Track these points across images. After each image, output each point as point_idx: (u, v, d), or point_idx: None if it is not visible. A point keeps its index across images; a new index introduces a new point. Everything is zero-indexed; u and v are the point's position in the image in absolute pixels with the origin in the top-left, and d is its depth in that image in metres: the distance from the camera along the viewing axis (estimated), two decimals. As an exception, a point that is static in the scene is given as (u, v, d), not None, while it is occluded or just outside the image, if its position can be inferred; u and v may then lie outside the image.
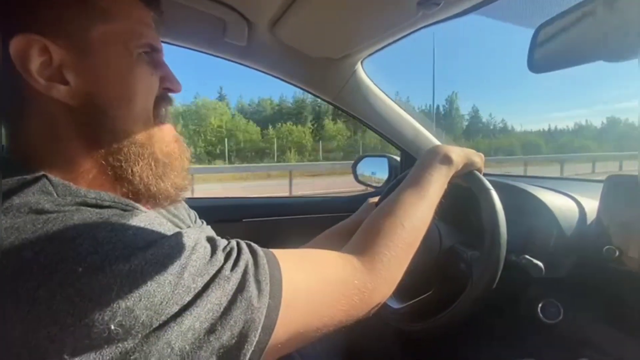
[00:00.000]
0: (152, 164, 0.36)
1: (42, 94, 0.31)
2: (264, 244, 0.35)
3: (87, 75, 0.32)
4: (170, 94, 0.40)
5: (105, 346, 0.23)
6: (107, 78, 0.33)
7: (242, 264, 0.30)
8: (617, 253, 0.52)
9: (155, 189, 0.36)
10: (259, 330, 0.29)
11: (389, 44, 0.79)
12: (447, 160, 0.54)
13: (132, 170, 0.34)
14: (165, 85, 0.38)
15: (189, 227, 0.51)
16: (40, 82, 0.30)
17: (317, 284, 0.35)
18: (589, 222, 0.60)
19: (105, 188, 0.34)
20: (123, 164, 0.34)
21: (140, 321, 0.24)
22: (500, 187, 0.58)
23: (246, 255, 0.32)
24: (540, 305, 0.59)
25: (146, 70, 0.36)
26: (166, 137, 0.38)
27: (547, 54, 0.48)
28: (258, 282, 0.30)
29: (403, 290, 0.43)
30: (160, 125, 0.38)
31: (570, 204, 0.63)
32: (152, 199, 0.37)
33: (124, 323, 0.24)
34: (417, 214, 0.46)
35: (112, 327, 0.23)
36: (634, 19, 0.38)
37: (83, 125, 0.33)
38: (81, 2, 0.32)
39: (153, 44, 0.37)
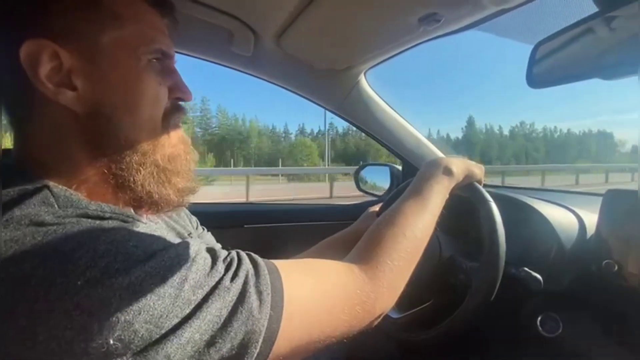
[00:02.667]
0: (154, 171, 0.35)
1: (49, 100, 0.31)
2: (265, 251, 0.35)
3: (95, 82, 0.32)
4: (181, 103, 0.39)
5: None
6: (113, 85, 0.33)
7: (242, 274, 0.30)
8: (616, 268, 0.52)
9: (157, 196, 0.36)
10: (259, 342, 0.29)
11: (392, 57, 0.81)
12: (448, 172, 0.54)
13: (133, 179, 0.34)
14: (175, 94, 0.38)
15: (190, 234, 0.52)
16: (48, 87, 0.30)
17: (319, 294, 0.35)
18: (588, 235, 0.60)
19: (107, 196, 0.34)
20: (125, 172, 0.34)
21: (140, 335, 0.24)
22: (500, 199, 0.58)
23: (247, 265, 0.31)
24: (539, 318, 0.58)
25: (154, 79, 0.35)
26: (172, 139, 0.37)
27: (546, 70, 0.49)
28: (259, 292, 0.30)
29: (402, 300, 0.43)
30: (168, 132, 0.37)
31: (570, 217, 0.63)
32: (154, 205, 0.37)
33: (123, 337, 0.23)
34: (419, 224, 0.46)
35: (111, 342, 0.23)
36: (631, 37, 0.39)
37: (87, 132, 0.32)
38: (93, 7, 0.32)
39: (164, 49, 0.36)
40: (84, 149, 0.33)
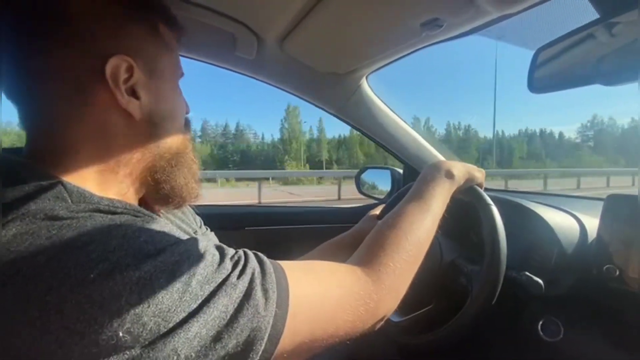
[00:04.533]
0: (186, 168, 0.42)
1: (116, 106, 0.35)
2: (267, 253, 0.36)
3: (152, 94, 0.37)
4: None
5: (113, 353, 0.24)
6: (164, 98, 0.39)
7: (249, 271, 0.31)
8: (617, 272, 0.52)
9: (187, 189, 0.41)
10: (265, 339, 0.29)
11: (394, 61, 0.81)
12: (449, 175, 0.55)
13: (177, 174, 0.40)
14: None
15: (196, 232, 0.53)
16: (124, 96, 0.34)
17: (323, 295, 0.35)
18: (589, 240, 0.60)
19: (127, 192, 0.38)
20: (167, 167, 0.40)
21: (148, 328, 0.24)
22: (501, 203, 0.58)
23: (253, 263, 0.32)
24: (540, 323, 0.58)
25: (182, 95, 0.43)
26: (190, 145, 0.44)
27: (547, 76, 0.49)
28: (265, 290, 0.30)
29: (404, 303, 0.43)
30: (187, 137, 0.44)
31: (571, 221, 0.64)
32: (182, 198, 0.41)
33: (132, 330, 0.24)
34: (421, 227, 0.47)
35: (121, 334, 0.24)
36: (632, 43, 0.40)
37: (139, 135, 0.37)
38: (155, 35, 0.38)
39: (183, 72, 0.44)
40: (130, 150, 0.37)
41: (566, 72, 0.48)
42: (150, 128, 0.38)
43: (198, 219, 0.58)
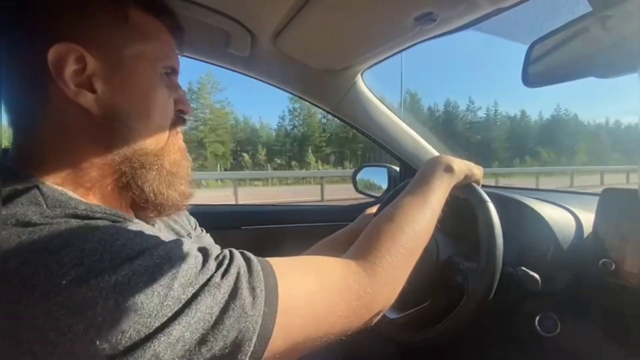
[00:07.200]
0: (163, 173, 0.38)
1: (68, 100, 0.32)
2: (263, 252, 0.35)
3: (114, 87, 0.34)
4: (183, 116, 0.42)
5: None
6: (131, 92, 0.35)
7: (233, 270, 0.29)
8: (613, 266, 0.52)
9: (163, 197, 0.37)
10: (253, 340, 0.28)
11: (389, 57, 0.81)
12: (449, 169, 0.54)
13: (145, 178, 0.36)
14: (178, 107, 0.40)
15: (189, 234, 0.52)
16: (70, 87, 0.32)
17: (316, 290, 0.34)
18: (585, 235, 0.60)
19: (110, 196, 0.35)
20: (137, 171, 0.35)
21: (128, 335, 0.23)
22: (497, 199, 0.58)
23: (238, 262, 0.31)
24: (537, 318, 0.58)
25: (165, 91, 0.38)
26: (175, 146, 0.40)
27: (541, 70, 0.49)
28: (252, 288, 0.29)
29: (400, 300, 0.43)
30: (173, 140, 0.40)
31: (567, 216, 0.64)
32: (159, 206, 0.38)
33: (109, 338, 0.23)
34: (419, 221, 0.45)
35: (97, 342, 0.22)
36: (626, 37, 0.40)
37: (101, 133, 0.34)
38: (122, 22, 0.35)
39: (174, 66, 0.40)
40: (94, 149, 0.34)
41: (560, 65, 0.47)
42: (114, 125, 0.34)
43: (192, 220, 0.57)
